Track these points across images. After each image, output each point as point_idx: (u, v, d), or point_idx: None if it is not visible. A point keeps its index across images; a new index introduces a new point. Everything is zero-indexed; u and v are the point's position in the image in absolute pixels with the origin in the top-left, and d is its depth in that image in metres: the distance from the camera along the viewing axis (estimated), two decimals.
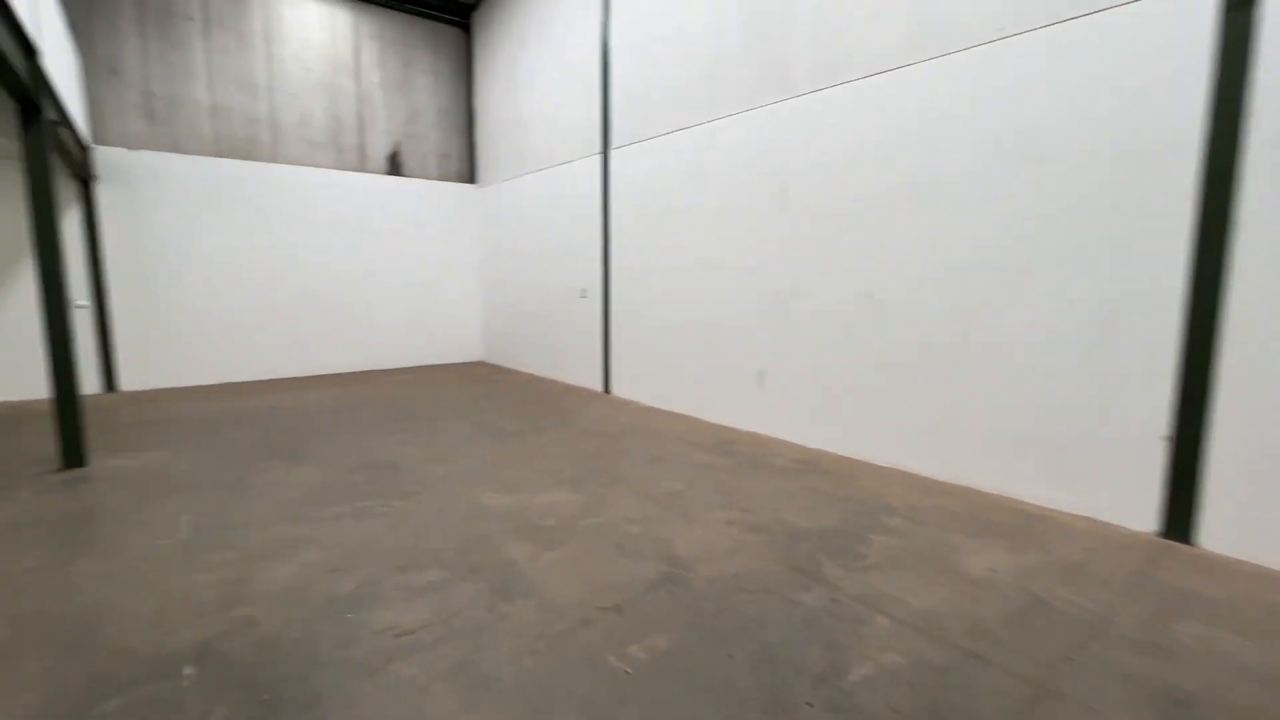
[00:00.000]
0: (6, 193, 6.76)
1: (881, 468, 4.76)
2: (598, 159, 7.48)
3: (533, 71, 8.64)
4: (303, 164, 8.73)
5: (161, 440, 5.45)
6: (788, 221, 5.35)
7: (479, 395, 7.66)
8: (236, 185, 8.19)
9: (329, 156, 8.96)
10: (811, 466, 4.81)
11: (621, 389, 7.52)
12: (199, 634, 2.50)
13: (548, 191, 8.55)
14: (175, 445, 5.29)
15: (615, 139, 7.19)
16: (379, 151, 9.39)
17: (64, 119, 5.84)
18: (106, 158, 7.36)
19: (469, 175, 10.30)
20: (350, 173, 9.10)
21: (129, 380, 7.67)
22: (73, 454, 4.58)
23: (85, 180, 7.19)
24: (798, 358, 5.38)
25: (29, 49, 4.14)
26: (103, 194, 7.35)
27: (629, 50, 6.88)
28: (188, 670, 2.27)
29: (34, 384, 6.88)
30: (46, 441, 5.08)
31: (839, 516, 3.80)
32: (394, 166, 9.54)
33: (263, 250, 8.44)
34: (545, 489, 4.27)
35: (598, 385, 7.87)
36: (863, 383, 4.90)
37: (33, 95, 4.15)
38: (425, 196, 9.81)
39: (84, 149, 7.05)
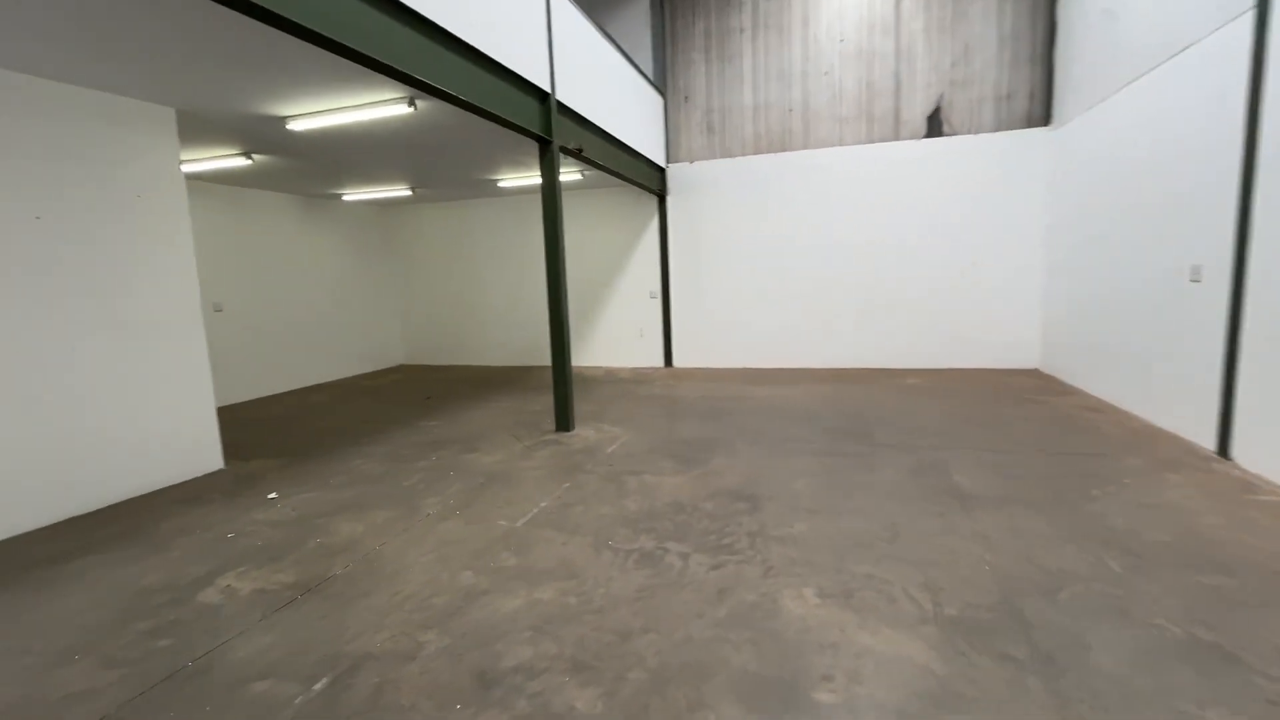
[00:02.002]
0: (597, 209, 9.12)
1: None
2: (1246, 20, 3.93)
3: None
4: (831, 144, 8.27)
5: (636, 419, 6.15)
6: None
7: (980, 422, 5.48)
8: (767, 179, 8.49)
9: (858, 130, 8.15)
10: None
11: (1252, 455, 3.89)
12: (378, 644, 2.47)
13: (1144, 110, 5.20)
14: (639, 426, 5.85)
15: None
16: (916, 112, 7.91)
17: (632, 152, 7.33)
18: (674, 173, 8.88)
19: (1041, 115, 7.46)
20: (878, 144, 8.05)
21: (679, 358, 9.21)
22: (563, 421, 5.69)
23: (661, 196, 8.88)
24: None
25: (542, 95, 5.17)
26: (671, 204, 8.94)
27: None
28: (319, 684, 2.25)
29: (618, 356, 9.25)
30: (589, 405, 6.56)
31: None
32: (933, 126, 7.86)
33: (787, 240, 8.51)
34: (895, 623, 2.48)
35: (1206, 439, 4.35)
36: None
37: (543, 133, 5.17)
38: (973, 155, 7.71)
39: (660, 171, 8.70)
